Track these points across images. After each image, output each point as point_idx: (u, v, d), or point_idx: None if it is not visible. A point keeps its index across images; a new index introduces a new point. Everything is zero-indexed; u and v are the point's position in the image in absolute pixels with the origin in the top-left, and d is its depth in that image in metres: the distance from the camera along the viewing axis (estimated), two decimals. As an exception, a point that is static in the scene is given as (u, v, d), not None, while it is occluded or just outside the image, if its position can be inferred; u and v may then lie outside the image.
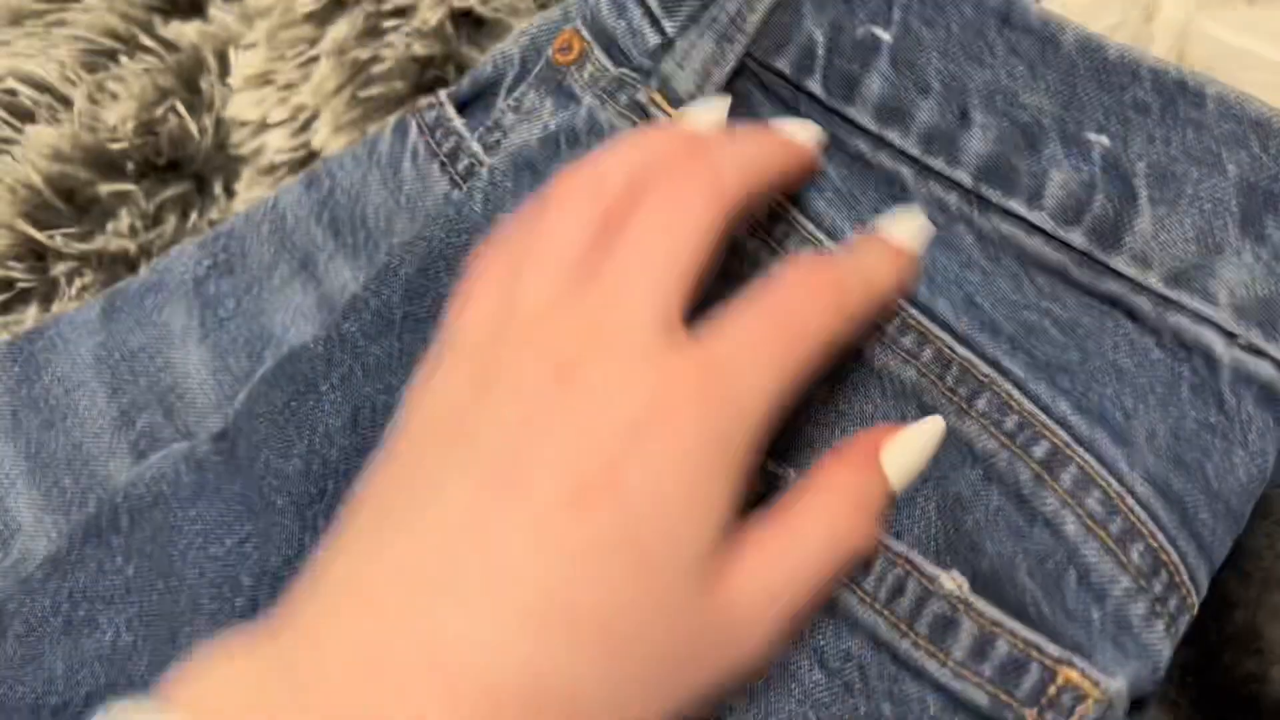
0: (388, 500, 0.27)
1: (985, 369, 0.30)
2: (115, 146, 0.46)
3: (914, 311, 0.31)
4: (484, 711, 0.23)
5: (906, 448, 0.30)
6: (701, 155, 0.29)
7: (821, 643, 0.28)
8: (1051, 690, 0.26)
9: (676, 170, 0.28)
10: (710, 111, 0.32)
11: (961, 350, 0.30)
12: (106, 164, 0.46)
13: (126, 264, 0.45)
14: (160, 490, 0.35)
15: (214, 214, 0.47)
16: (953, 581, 0.27)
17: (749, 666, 0.26)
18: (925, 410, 0.30)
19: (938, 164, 0.31)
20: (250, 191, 0.47)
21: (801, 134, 0.32)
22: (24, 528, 0.38)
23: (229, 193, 0.47)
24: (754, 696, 0.28)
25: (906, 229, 0.31)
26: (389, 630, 0.23)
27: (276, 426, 0.35)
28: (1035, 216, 0.31)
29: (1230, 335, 0.30)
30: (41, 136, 0.46)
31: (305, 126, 0.47)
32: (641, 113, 0.33)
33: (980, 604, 0.27)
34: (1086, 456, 0.29)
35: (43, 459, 0.38)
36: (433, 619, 0.23)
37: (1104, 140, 0.31)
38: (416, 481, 0.26)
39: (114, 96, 0.47)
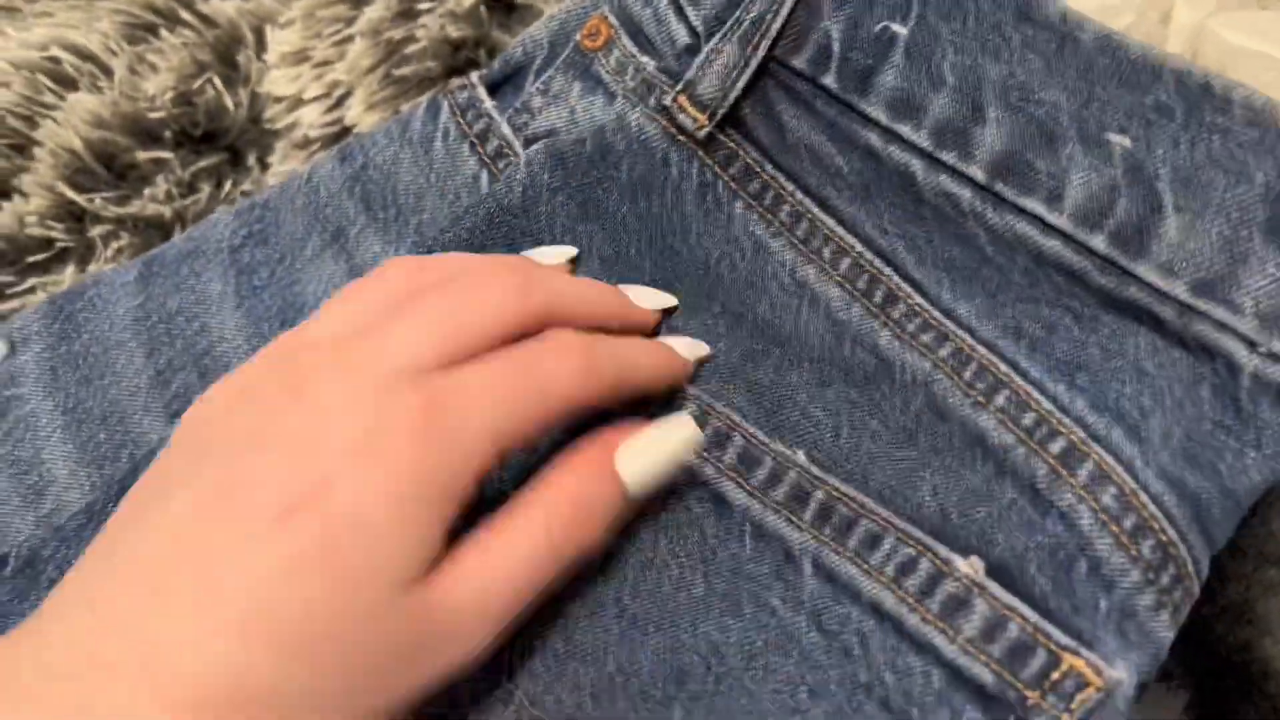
0: (130, 508, 0.28)
1: (1004, 369, 0.31)
2: (154, 116, 0.47)
3: (935, 312, 0.32)
4: (189, 711, 0.24)
5: (645, 452, 0.30)
6: (520, 268, 0.31)
7: (819, 606, 0.29)
8: (1055, 675, 0.27)
9: (491, 269, 0.30)
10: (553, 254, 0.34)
11: (981, 350, 0.31)
12: (144, 132, 0.47)
13: (162, 229, 0.46)
14: None
15: (247, 185, 0.48)
16: (970, 566, 0.28)
17: (463, 664, 0.27)
18: (931, 400, 0.31)
19: (950, 159, 0.31)
20: (284, 165, 0.48)
21: (646, 299, 0.33)
22: (59, 480, 0.39)
23: (262, 165, 0.48)
24: (752, 656, 0.29)
25: (682, 343, 0.33)
26: (106, 631, 0.25)
27: None
28: (1054, 218, 0.31)
29: (1253, 344, 0.30)
30: (83, 103, 0.47)
31: (339, 103, 0.49)
32: (668, 116, 0.34)
33: (994, 588, 0.28)
34: (1103, 453, 0.29)
35: (79, 414, 0.39)
36: (145, 622, 0.25)
37: (1125, 142, 0.31)
38: (154, 490, 0.28)
39: (153, 68, 0.48)
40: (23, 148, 0.47)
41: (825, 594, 0.29)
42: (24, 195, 0.45)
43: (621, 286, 0.33)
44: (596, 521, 0.29)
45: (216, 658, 0.24)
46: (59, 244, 0.45)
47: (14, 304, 0.44)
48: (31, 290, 0.44)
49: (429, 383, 0.27)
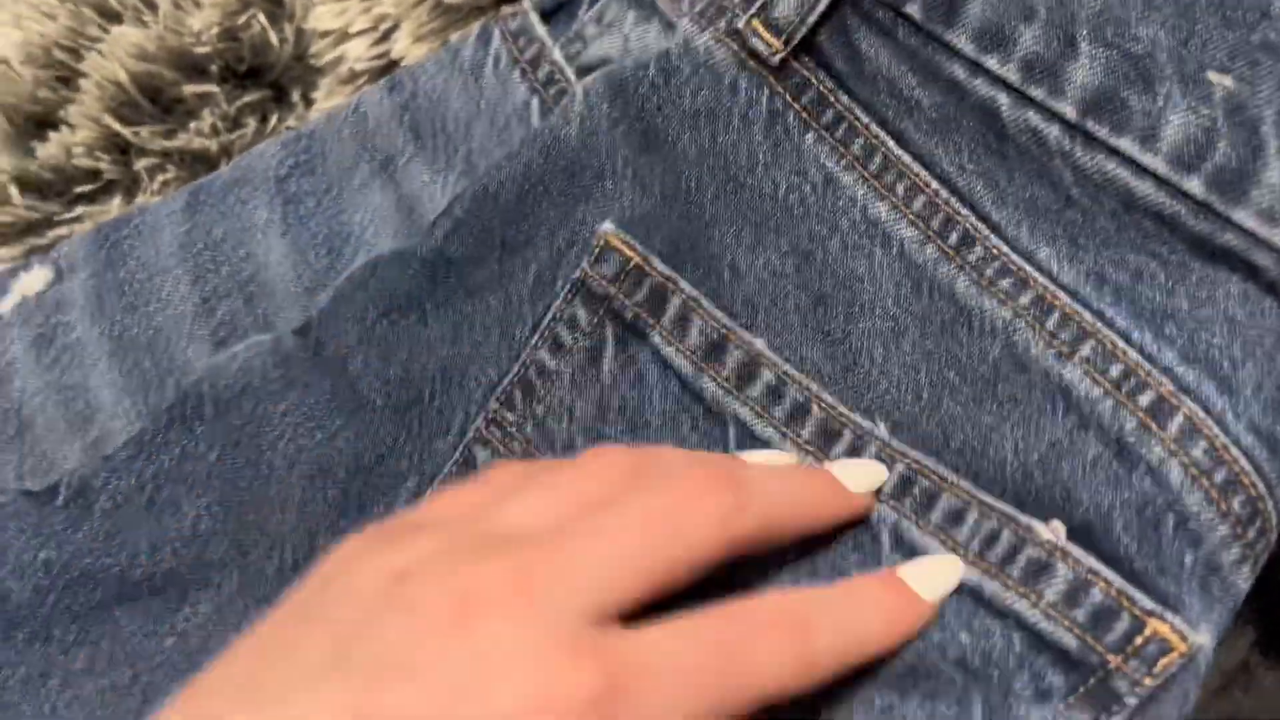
0: (257, 675, 0.24)
1: (1089, 317, 0.29)
2: (199, 50, 0.46)
3: (1015, 256, 0.30)
4: None
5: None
6: (733, 480, 0.27)
7: None
8: (1138, 640, 0.26)
9: (703, 481, 0.26)
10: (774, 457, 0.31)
11: (1064, 297, 0.30)
12: (190, 66, 0.46)
13: (207, 163, 0.45)
14: (248, 382, 0.35)
15: (291, 121, 0.47)
16: (1051, 531, 0.27)
17: None
18: (1011, 350, 0.30)
19: (1038, 94, 0.30)
20: (329, 101, 0.47)
21: (859, 479, 0.29)
22: (105, 407, 0.38)
23: (307, 101, 0.47)
24: None
25: (928, 573, 0.28)
26: None
27: (372, 334, 0.35)
28: (1147, 159, 0.30)
29: None
30: (128, 36, 0.46)
31: (386, 36, 0.47)
32: (739, 40, 0.33)
33: (1076, 551, 0.27)
34: (1193, 406, 0.28)
35: (125, 341, 0.39)
36: None
37: (1227, 81, 0.29)
38: (288, 671, 0.24)
39: (197, 4, 0.47)
40: (68, 80, 0.46)
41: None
42: (70, 127, 0.45)
43: (830, 465, 0.30)
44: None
45: None
46: (105, 176, 0.44)
47: (62, 231, 0.43)
48: (79, 220, 0.44)
49: (615, 650, 0.23)
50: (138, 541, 0.34)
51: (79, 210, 0.44)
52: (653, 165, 0.34)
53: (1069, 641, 0.26)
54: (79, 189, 0.44)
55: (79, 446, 0.38)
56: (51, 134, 0.44)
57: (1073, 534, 0.27)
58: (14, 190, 0.43)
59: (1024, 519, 0.27)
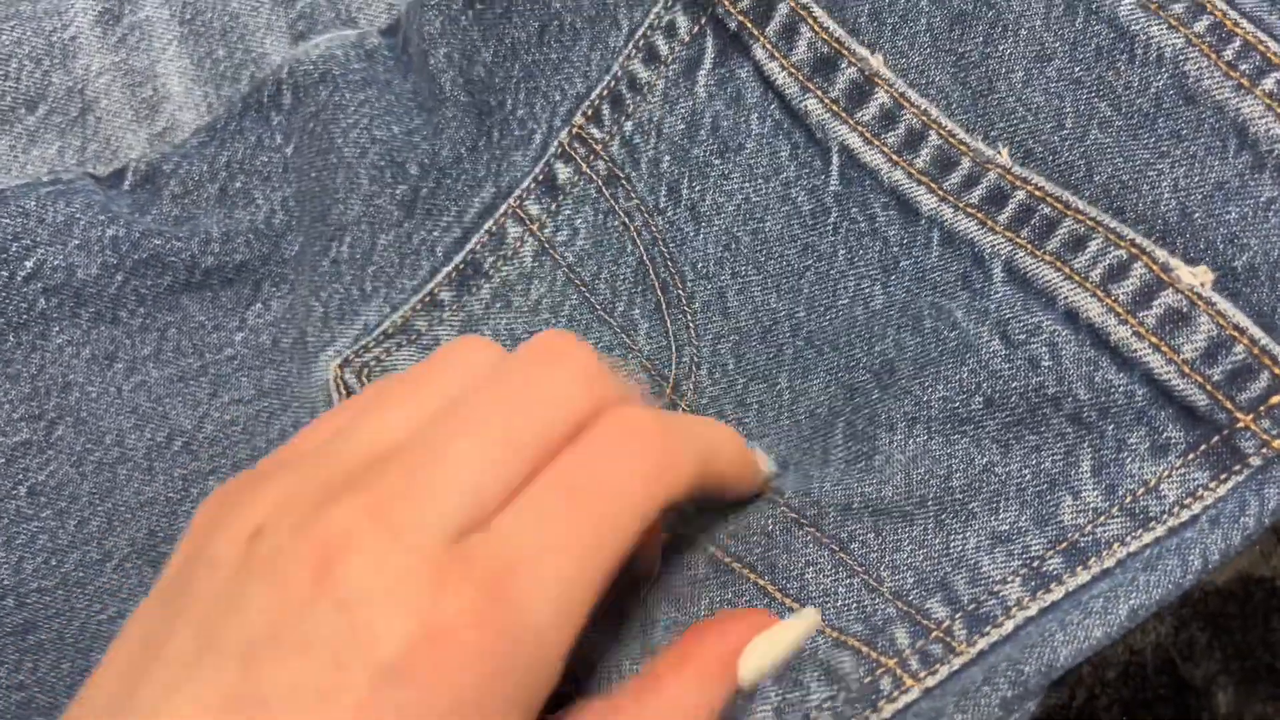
0: (127, 680, 0.22)
1: (1274, 47, 0.25)
2: None
3: None
4: None
5: (770, 652, 0.25)
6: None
7: (1006, 314, 0.26)
8: (1275, 400, 0.24)
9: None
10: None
11: (1246, 25, 0.25)
12: None
13: None
14: (329, 70, 0.33)
15: None
16: (1195, 276, 0.25)
17: None
18: (1180, 80, 0.26)
19: None
20: None
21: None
22: (173, 96, 0.36)
23: None
24: (924, 365, 0.27)
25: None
26: None
27: (458, 28, 0.33)
28: None
29: None
30: None
31: None
32: None
33: (1221, 303, 0.24)
34: None
35: (197, 26, 0.36)
36: None
37: None
38: (157, 670, 0.22)
39: None
40: None
41: (1015, 301, 0.26)
42: None
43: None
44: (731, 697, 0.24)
45: None
46: None
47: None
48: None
49: (483, 557, 0.21)
50: (209, 229, 0.33)
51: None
52: None
53: (1198, 398, 0.24)
54: None
55: (145, 135, 0.36)
56: None
57: (1229, 280, 0.25)
58: None
59: (1161, 254, 0.25)
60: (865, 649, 0.25)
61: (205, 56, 0.37)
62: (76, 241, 0.32)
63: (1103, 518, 0.24)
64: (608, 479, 0.23)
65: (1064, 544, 0.25)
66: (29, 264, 0.32)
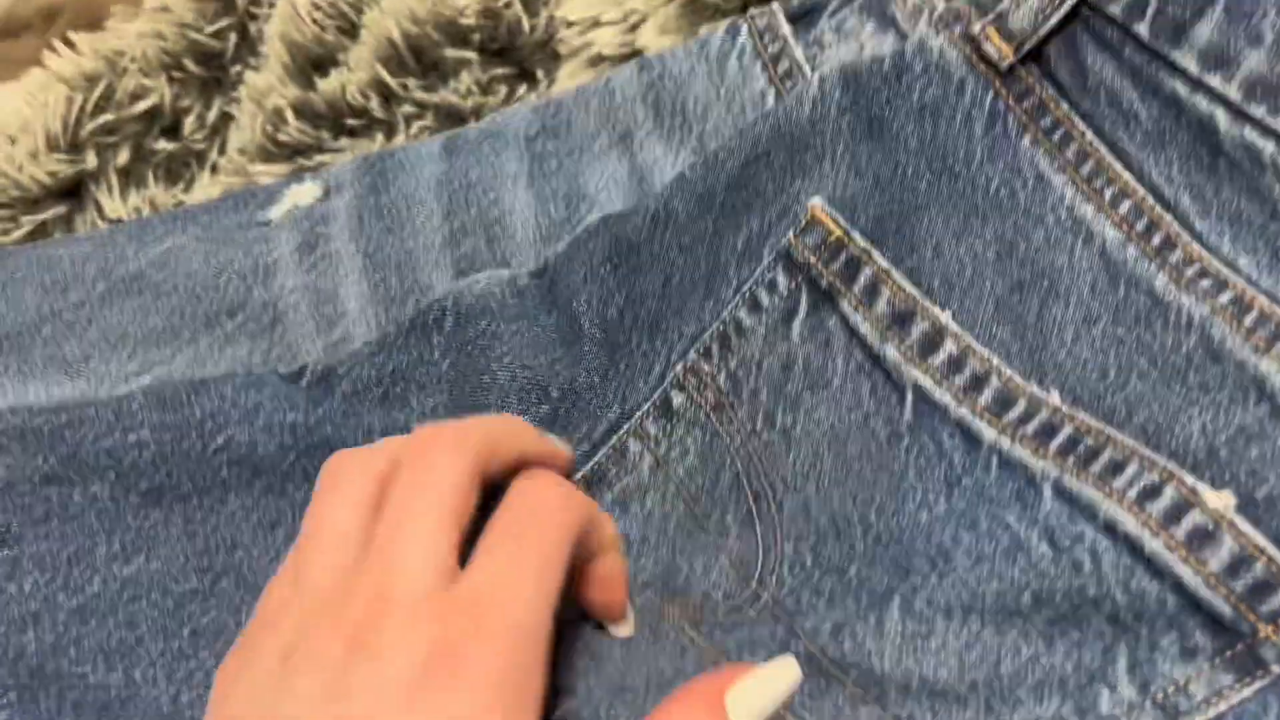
0: None
1: None
2: (463, 21, 0.51)
3: (1215, 261, 0.32)
4: None
5: (757, 693, 0.29)
6: (448, 427, 0.32)
7: (1054, 523, 0.30)
8: None
9: (426, 440, 0.32)
10: None
11: (1263, 299, 0.31)
12: (454, 34, 0.51)
13: (459, 119, 0.50)
14: (487, 304, 0.40)
15: (533, 97, 0.52)
16: (1220, 500, 0.28)
17: None
18: (1207, 342, 0.31)
19: (1258, 112, 0.31)
20: (570, 81, 0.52)
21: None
22: (350, 313, 0.43)
23: (550, 80, 0.52)
24: (979, 560, 0.31)
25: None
26: None
27: (596, 277, 0.39)
28: None
29: None
30: (405, 0, 0.52)
31: (634, 28, 0.52)
32: (973, 44, 0.36)
33: (1242, 524, 0.28)
34: None
35: (377, 259, 0.44)
36: None
37: None
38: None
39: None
40: (349, 30, 0.52)
41: (1061, 513, 0.30)
42: (349, 69, 0.50)
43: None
44: None
45: None
46: (372, 114, 0.49)
47: (326, 159, 0.49)
48: (342, 150, 0.49)
49: (469, 587, 0.28)
50: (371, 424, 0.38)
51: (343, 142, 0.49)
52: (871, 152, 0.37)
53: (1223, 609, 0.27)
54: (347, 122, 0.49)
55: (322, 344, 0.43)
56: (332, 72, 0.49)
57: (1242, 508, 0.29)
58: (291, 115, 0.48)
59: (1189, 480, 0.29)
60: None
61: (380, 283, 0.43)
62: (261, 424, 0.38)
63: (1136, 711, 0.28)
64: (535, 520, 0.31)
65: (1103, 733, 0.28)
66: (219, 439, 0.38)
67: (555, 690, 0.34)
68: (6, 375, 0.42)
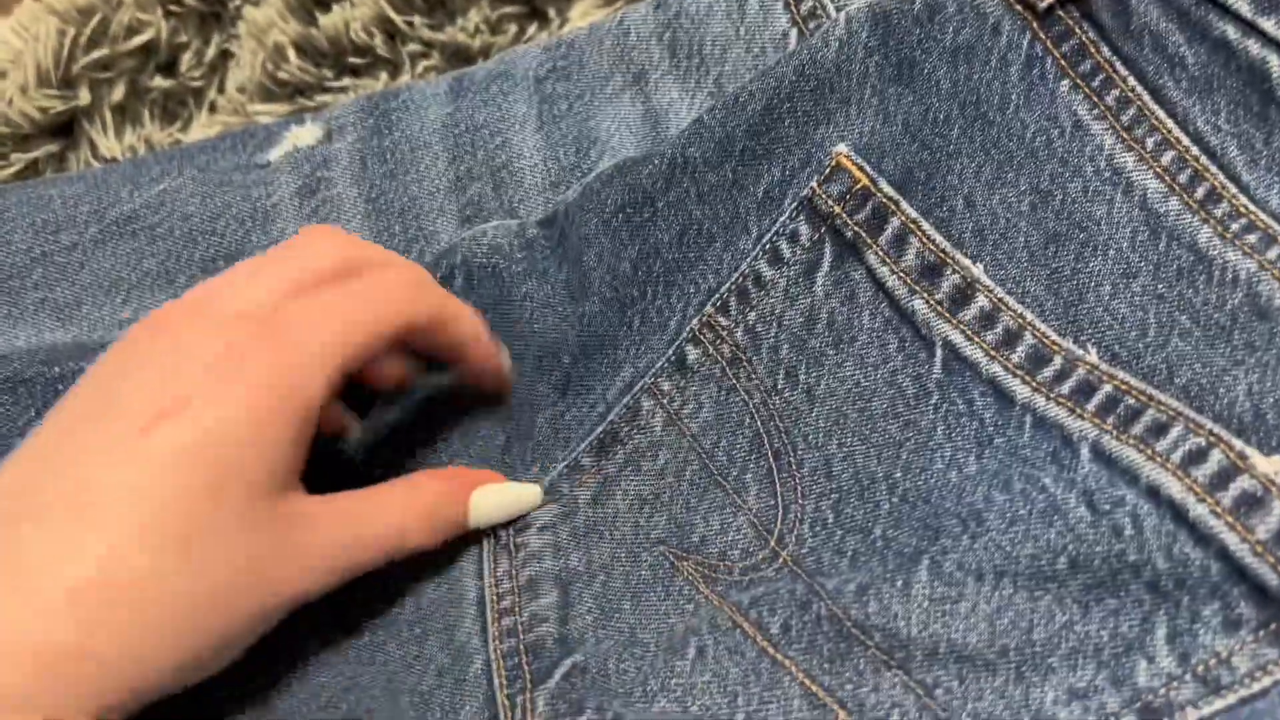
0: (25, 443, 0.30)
1: None
2: (470, -43, 0.49)
3: (1262, 215, 0.30)
4: (59, 605, 0.26)
5: (496, 502, 0.35)
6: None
7: (1093, 486, 0.29)
8: None
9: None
10: None
11: None
12: (461, -30, 0.49)
13: (466, 59, 0.48)
14: (497, 263, 0.38)
15: (543, 36, 0.50)
16: (1270, 465, 0.27)
17: (297, 602, 0.30)
18: (1253, 300, 0.30)
19: None
20: (582, 20, 0.50)
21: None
22: (352, 263, 0.42)
23: (562, 20, 0.50)
24: (1014, 522, 0.29)
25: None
26: None
27: (609, 228, 0.38)
28: None
29: None
30: (412, -68, 0.50)
31: (647, -34, 0.50)
32: None
33: None
34: None
35: (380, 205, 0.42)
36: (19, 533, 0.27)
37: None
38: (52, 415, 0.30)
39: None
40: (353, -35, 0.50)
41: (1101, 476, 0.29)
42: (351, 4, 0.48)
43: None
44: (436, 532, 0.33)
45: (89, 554, 0.26)
46: (376, 52, 0.47)
47: (327, 99, 0.47)
48: (345, 90, 0.47)
49: (272, 313, 0.30)
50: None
51: (346, 81, 0.47)
52: (900, 95, 0.35)
53: (1270, 579, 0.26)
54: (350, 60, 0.47)
55: (323, 293, 0.42)
56: (335, 7, 0.47)
57: None
58: (292, 53, 0.47)
59: (1238, 444, 0.27)
60: None
61: (384, 230, 0.42)
62: None
63: (1175, 683, 0.26)
64: (374, 283, 0.32)
65: (1138, 704, 0.27)
66: None
67: (564, 641, 0.33)
68: (-4, 319, 0.41)
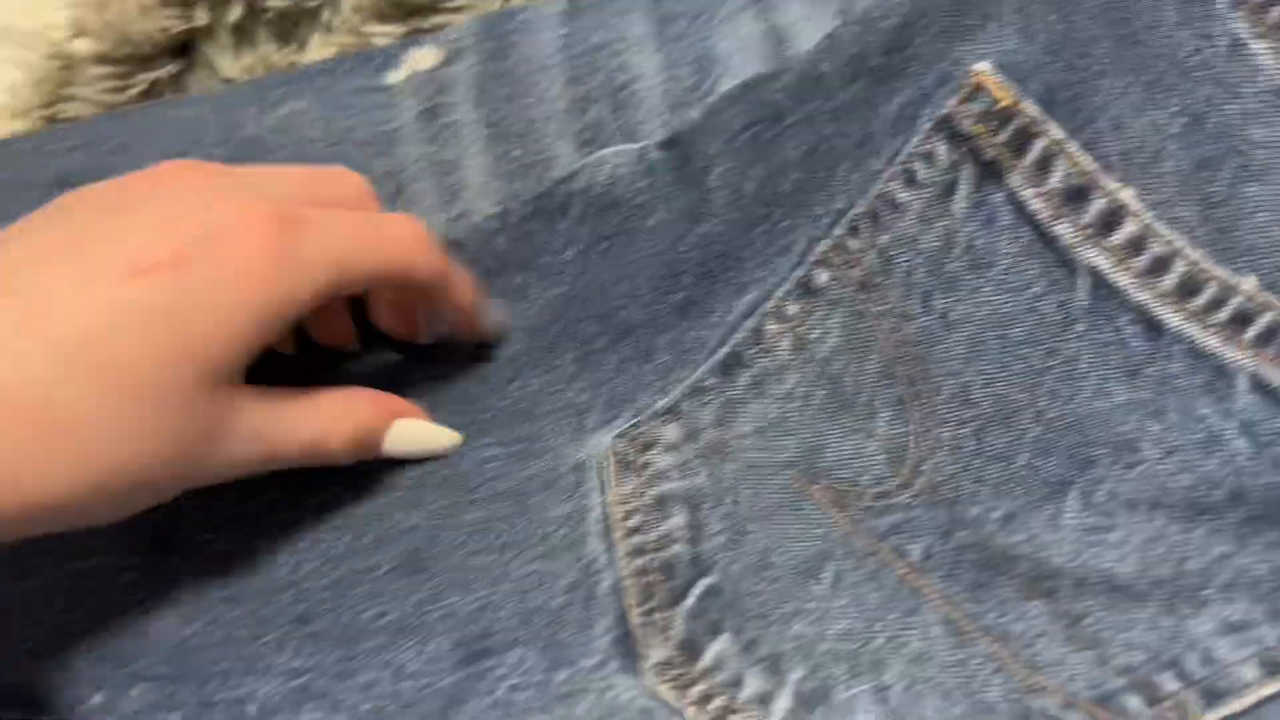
0: None
1: None
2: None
3: None
4: None
5: (413, 436, 0.35)
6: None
7: (1252, 417, 0.28)
8: None
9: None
10: None
11: None
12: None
13: (580, -22, 0.48)
14: (616, 191, 0.38)
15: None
16: None
17: (209, 479, 0.30)
18: None
19: None
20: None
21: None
22: (472, 187, 0.42)
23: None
24: (1170, 452, 0.29)
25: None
26: None
27: (734, 147, 0.37)
28: None
29: None
30: None
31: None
32: None
33: None
34: None
35: (500, 129, 0.42)
36: None
37: None
38: (14, 233, 0.29)
39: None
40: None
41: (1260, 408, 0.28)
42: (464, -81, 0.48)
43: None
44: (353, 452, 0.33)
45: (29, 372, 0.26)
46: (491, -31, 0.47)
47: (441, 20, 0.46)
48: (459, 10, 0.47)
49: (288, 206, 0.30)
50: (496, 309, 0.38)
51: (461, 1, 0.47)
52: (1045, 13, 0.34)
53: None
54: (465, -21, 0.47)
55: (444, 219, 0.42)
56: (448, -77, 0.47)
57: None
58: (408, -26, 0.46)
59: None
60: (1096, 712, 0.27)
61: (504, 154, 0.42)
62: None
63: (1337, 616, 0.26)
64: (386, 224, 0.33)
65: (1298, 637, 0.27)
66: None
67: (696, 562, 0.33)
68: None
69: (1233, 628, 0.27)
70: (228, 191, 0.30)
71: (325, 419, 0.32)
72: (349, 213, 0.32)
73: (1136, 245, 0.31)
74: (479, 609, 0.34)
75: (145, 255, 0.27)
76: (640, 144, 0.40)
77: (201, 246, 0.28)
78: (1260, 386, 0.28)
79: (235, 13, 0.46)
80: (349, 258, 0.31)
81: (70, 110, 0.45)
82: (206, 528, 0.36)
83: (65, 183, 0.39)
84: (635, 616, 0.33)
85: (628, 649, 0.32)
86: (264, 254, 0.28)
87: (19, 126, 0.45)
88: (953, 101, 0.34)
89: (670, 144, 0.39)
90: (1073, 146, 0.33)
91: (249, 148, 0.42)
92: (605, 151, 0.40)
